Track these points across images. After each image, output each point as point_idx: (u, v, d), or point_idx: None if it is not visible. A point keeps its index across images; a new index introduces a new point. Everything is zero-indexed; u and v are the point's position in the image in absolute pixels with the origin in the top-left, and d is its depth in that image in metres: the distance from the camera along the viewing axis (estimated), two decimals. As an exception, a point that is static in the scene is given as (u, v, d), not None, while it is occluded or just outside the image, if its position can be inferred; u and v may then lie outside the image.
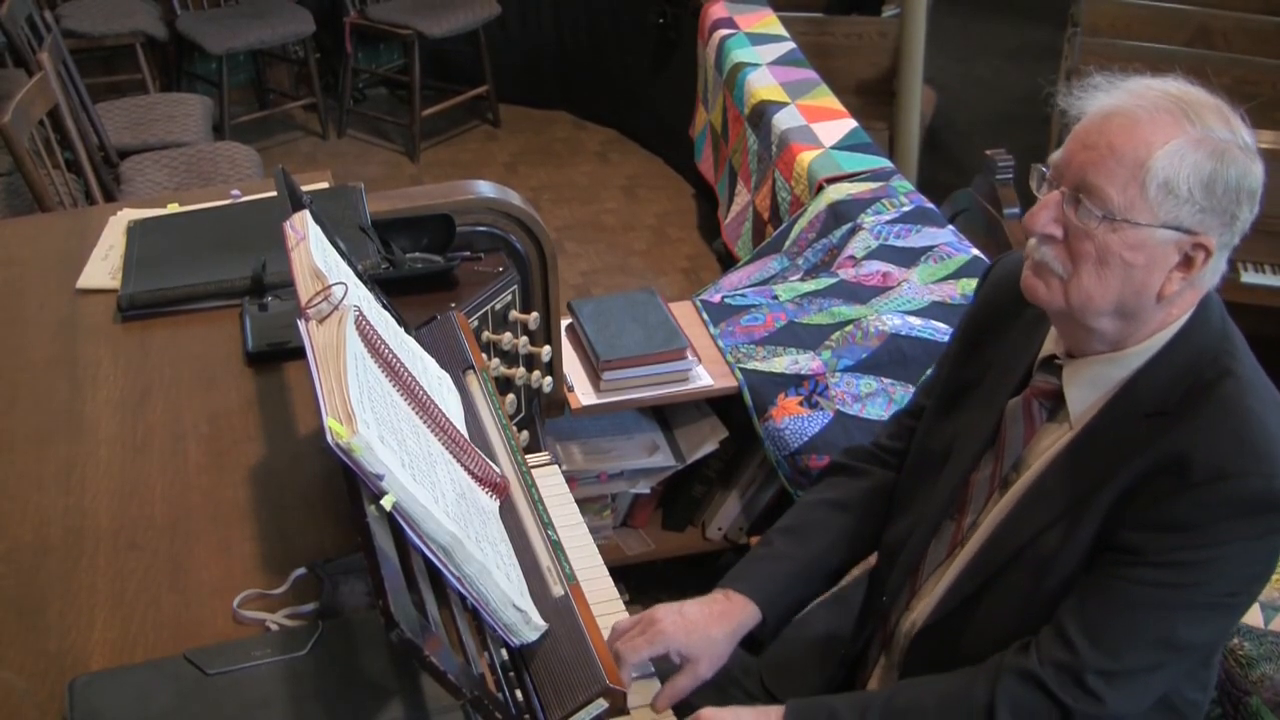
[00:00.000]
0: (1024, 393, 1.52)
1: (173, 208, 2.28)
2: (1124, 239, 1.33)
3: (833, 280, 2.93)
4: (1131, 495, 1.37)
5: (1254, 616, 1.83)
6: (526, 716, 1.32)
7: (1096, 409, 1.44)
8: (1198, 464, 1.32)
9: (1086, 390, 1.45)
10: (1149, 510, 1.36)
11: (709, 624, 1.59)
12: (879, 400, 2.59)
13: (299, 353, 1.58)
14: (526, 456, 1.70)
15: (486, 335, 2.09)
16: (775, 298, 2.90)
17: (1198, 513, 1.33)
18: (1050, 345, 1.50)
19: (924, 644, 1.58)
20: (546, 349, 2.20)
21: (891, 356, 2.64)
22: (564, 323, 2.70)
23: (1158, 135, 1.31)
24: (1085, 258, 1.36)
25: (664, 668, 1.57)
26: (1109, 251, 1.34)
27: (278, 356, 1.82)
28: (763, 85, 3.94)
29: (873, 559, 1.74)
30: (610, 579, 1.69)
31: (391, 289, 1.83)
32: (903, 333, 2.66)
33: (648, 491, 2.89)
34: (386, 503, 1.18)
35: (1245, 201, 1.34)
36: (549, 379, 2.27)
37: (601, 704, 1.33)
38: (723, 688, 1.69)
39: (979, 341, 1.62)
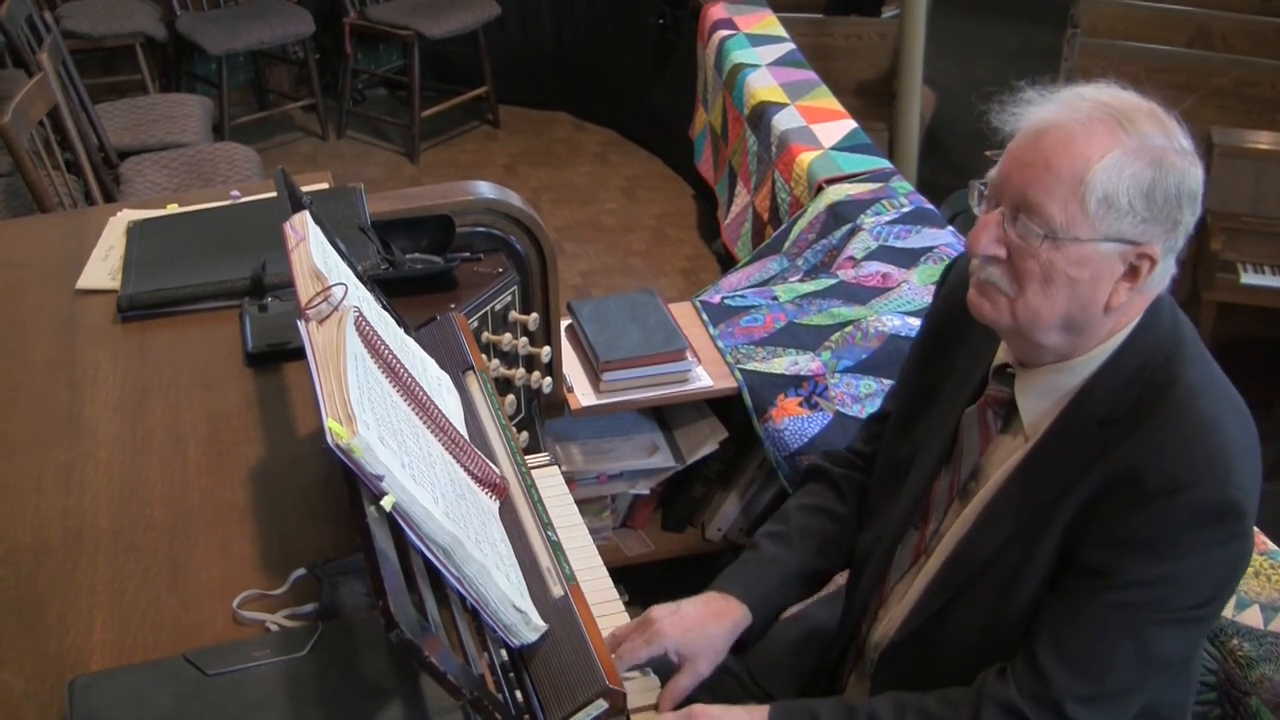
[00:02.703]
0: (979, 401, 1.51)
1: (172, 208, 2.28)
2: (1068, 255, 1.32)
3: (832, 281, 2.93)
4: (1089, 511, 1.36)
5: (1254, 617, 1.83)
6: (526, 717, 1.32)
7: (1050, 419, 1.43)
8: (1151, 476, 1.31)
9: (1038, 399, 1.44)
10: (1108, 527, 1.34)
11: (706, 622, 1.60)
12: (878, 401, 2.58)
13: (299, 353, 1.58)
14: (526, 457, 1.70)
15: (486, 336, 2.09)
16: (775, 299, 2.90)
17: (1156, 526, 1.32)
18: (1003, 354, 1.50)
19: (894, 658, 1.57)
20: (546, 350, 2.20)
21: (891, 357, 2.64)
22: (564, 323, 2.70)
23: (1094, 148, 1.30)
24: (1030, 276, 1.35)
25: (664, 668, 1.57)
26: (1053, 269, 1.33)
27: (277, 357, 1.82)
28: (762, 86, 3.94)
29: None
30: (610, 580, 1.69)
31: (391, 290, 1.83)
32: (902, 333, 2.66)
33: (647, 492, 2.89)
34: (386, 503, 1.18)
35: (1186, 205, 1.33)
36: (548, 380, 2.27)
37: (601, 704, 1.33)
38: (719, 682, 1.69)
39: (939, 345, 1.62)
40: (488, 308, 2.07)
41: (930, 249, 3.00)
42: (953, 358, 1.59)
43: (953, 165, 4.91)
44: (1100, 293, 1.35)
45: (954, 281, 1.63)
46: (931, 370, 1.62)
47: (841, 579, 1.81)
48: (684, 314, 2.89)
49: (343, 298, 1.33)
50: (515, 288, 2.14)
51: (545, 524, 1.54)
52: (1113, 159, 1.29)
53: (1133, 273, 1.34)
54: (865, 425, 1.83)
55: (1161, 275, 1.37)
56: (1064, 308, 1.35)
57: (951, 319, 1.59)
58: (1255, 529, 1.47)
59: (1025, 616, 1.42)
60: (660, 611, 1.59)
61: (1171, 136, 1.33)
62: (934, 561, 1.53)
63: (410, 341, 1.66)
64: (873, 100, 4.68)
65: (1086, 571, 1.37)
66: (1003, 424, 1.49)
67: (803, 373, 2.65)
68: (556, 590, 1.45)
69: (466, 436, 1.53)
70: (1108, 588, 1.35)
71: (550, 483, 1.84)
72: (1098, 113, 1.32)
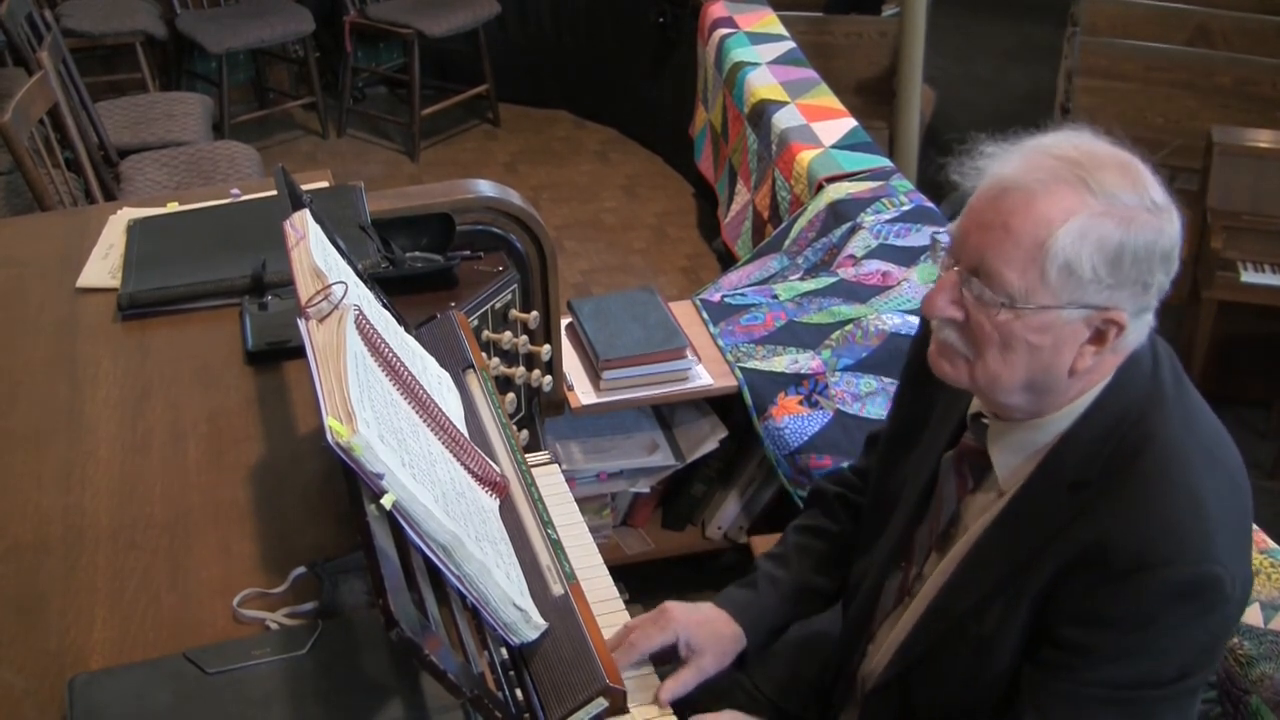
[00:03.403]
0: (955, 449, 1.47)
1: (172, 207, 2.27)
2: (1027, 323, 1.26)
3: (832, 279, 2.93)
4: (1059, 584, 1.31)
5: (1254, 616, 1.83)
6: (526, 715, 1.32)
7: (1023, 476, 1.37)
8: (1119, 553, 1.25)
9: (1011, 455, 1.39)
10: (1079, 602, 1.29)
11: (718, 621, 1.62)
12: (879, 399, 2.59)
13: (299, 352, 1.58)
14: (526, 455, 1.70)
15: (486, 334, 2.09)
16: (775, 297, 2.90)
17: (1127, 605, 1.26)
18: (978, 402, 1.44)
19: (880, 700, 1.55)
20: (546, 348, 2.20)
21: (891, 356, 2.64)
22: (564, 322, 2.70)
23: (1056, 212, 1.22)
24: (988, 341, 1.28)
25: (664, 669, 1.58)
26: (1012, 335, 1.27)
27: (278, 355, 1.82)
28: (762, 84, 3.94)
29: None
30: (610, 578, 1.69)
31: (391, 288, 1.83)
32: (902, 332, 2.66)
33: (647, 491, 2.89)
34: (386, 502, 1.18)
35: (1159, 265, 1.25)
36: (549, 378, 2.27)
37: (601, 703, 1.33)
38: (726, 690, 1.70)
39: (926, 373, 1.52)
40: (488, 306, 2.07)
41: (930, 247, 3.00)
42: (934, 392, 1.52)
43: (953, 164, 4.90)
44: (1063, 359, 1.28)
45: None
46: (919, 401, 1.56)
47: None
48: (684, 312, 2.89)
49: (343, 296, 1.33)
50: (515, 286, 2.14)
51: (545, 522, 1.55)
52: (1076, 224, 1.22)
53: (1099, 336, 1.27)
54: (866, 442, 1.79)
55: (1134, 334, 1.29)
56: (1025, 372, 1.29)
57: None
58: (1256, 528, 1.45)
59: (1004, 675, 1.38)
60: (674, 604, 1.60)
61: (1143, 193, 1.25)
62: (917, 605, 1.50)
63: (410, 340, 1.66)
64: (873, 98, 4.68)
65: (1061, 648, 1.32)
66: (977, 478, 1.44)
67: (803, 371, 2.65)
68: (556, 589, 1.45)
69: (467, 435, 1.53)
70: (1085, 666, 1.30)
71: (550, 481, 1.84)
72: (1063, 171, 1.24)
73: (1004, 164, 1.28)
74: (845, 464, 1.85)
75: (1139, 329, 1.30)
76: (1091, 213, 1.22)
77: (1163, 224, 1.25)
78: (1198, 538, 1.25)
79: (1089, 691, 1.30)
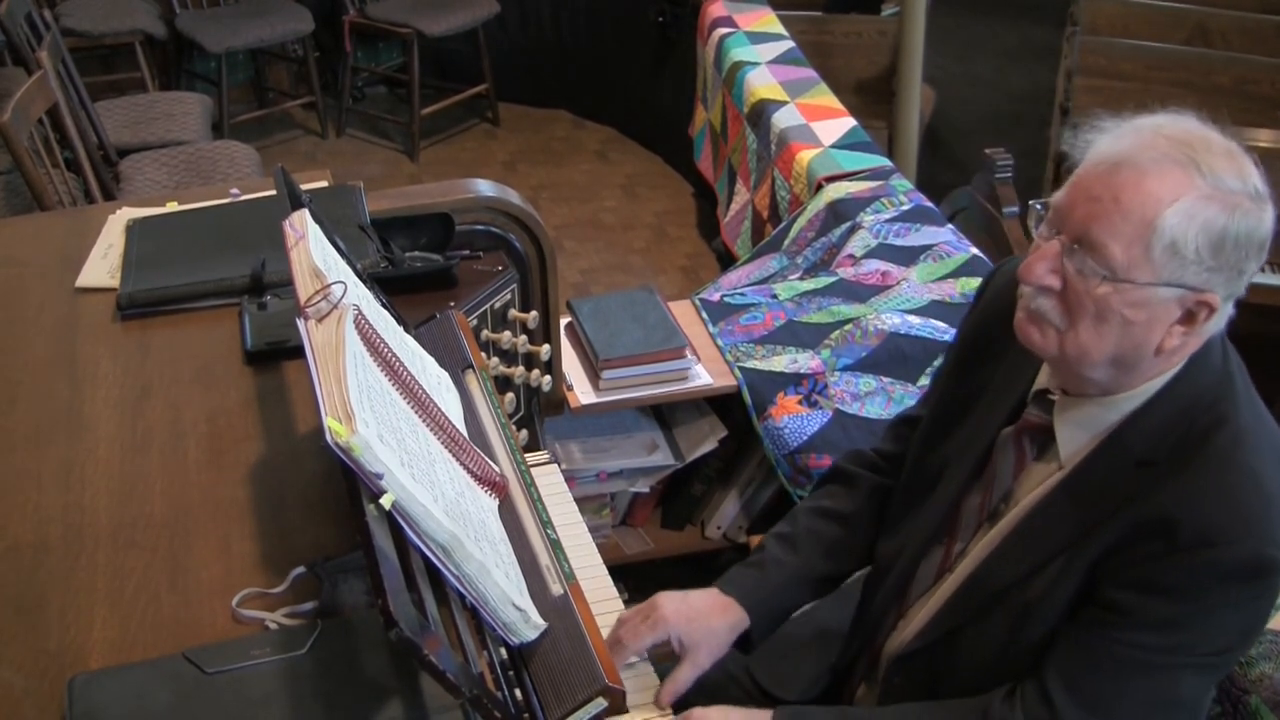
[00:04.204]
0: (1016, 424, 1.48)
1: (172, 206, 2.27)
2: (1125, 298, 1.28)
3: (832, 279, 2.93)
4: (1117, 552, 1.34)
5: (1252, 615, 1.83)
6: (526, 715, 1.32)
7: (1087, 451, 1.40)
8: (1184, 528, 1.28)
9: (1077, 431, 1.41)
10: (1135, 570, 1.32)
11: (710, 614, 1.61)
12: (878, 399, 2.60)
13: (298, 351, 1.57)
14: (525, 455, 1.70)
15: (486, 334, 2.09)
16: (774, 296, 2.90)
17: (1184, 577, 1.29)
18: (1044, 378, 1.46)
19: (905, 669, 1.57)
20: (545, 348, 2.20)
21: (891, 355, 2.64)
22: (563, 321, 2.70)
23: (1166, 191, 1.25)
24: (1083, 312, 1.31)
25: (663, 667, 1.58)
26: (1108, 309, 1.29)
27: (277, 355, 1.82)
28: (762, 84, 3.94)
29: None
30: (609, 578, 1.70)
31: (391, 288, 1.83)
32: (902, 331, 2.66)
33: (647, 490, 2.89)
34: (386, 502, 1.19)
35: (1254, 255, 1.28)
36: (548, 378, 2.27)
37: (601, 703, 1.33)
38: (720, 686, 1.70)
39: (976, 358, 1.58)
40: (487, 306, 2.07)
41: (929, 247, 3.00)
42: (989, 374, 1.54)
43: (952, 163, 4.91)
44: (1154, 335, 1.30)
45: (994, 294, 1.57)
46: (966, 383, 1.57)
47: (851, 579, 1.81)
48: (683, 312, 2.89)
49: (342, 296, 1.33)
50: (515, 286, 2.14)
51: (545, 522, 1.55)
52: (1184, 205, 1.24)
53: (1189, 318, 1.30)
54: (893, 426, 1.79)
55: (1219, 320, 1.32)
56: (1114, 347, 1.31)
57: (990, 333, 1.54)
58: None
59: (1040, 646, 1.41)
60: (666, 598, 1.60)
61: (1246, 180, 1.28)
62: (954, 579, 1.52)
63: (410, 340, 1.66)
64: (872, 98, 4.68)
65: (1106, 608, 1.35)
66: (1038, 451, 1.46)
67: (802, 371, 2.65)
68: (556, 588, 1.45)
69: (466, 435, 1.53)
70: (1125, 626, 1.33)
71: (549, 481, 1.84)
72: (1174, 152, 1.26)
73: (1116, 140, 1.30)
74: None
75: (1224, 315, 1.33)
76: (1199, 194, 1.25)
77: (1263, 213, 1.28)
78: (1264, 521, 1.28)
79: (1119, 651, 1.33)
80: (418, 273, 2.03)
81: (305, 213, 1.52)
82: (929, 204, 3.24)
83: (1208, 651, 1.33)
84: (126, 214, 2.24)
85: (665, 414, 2.94)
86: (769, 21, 4.40)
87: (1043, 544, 1.41)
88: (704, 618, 1.60)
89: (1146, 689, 1.34)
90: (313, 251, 1.43)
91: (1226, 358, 1.38)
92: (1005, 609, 1.44)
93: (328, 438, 1.15)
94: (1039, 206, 1.38)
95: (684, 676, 1.56)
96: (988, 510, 1.51)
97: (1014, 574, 1.43)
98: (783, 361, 2.68)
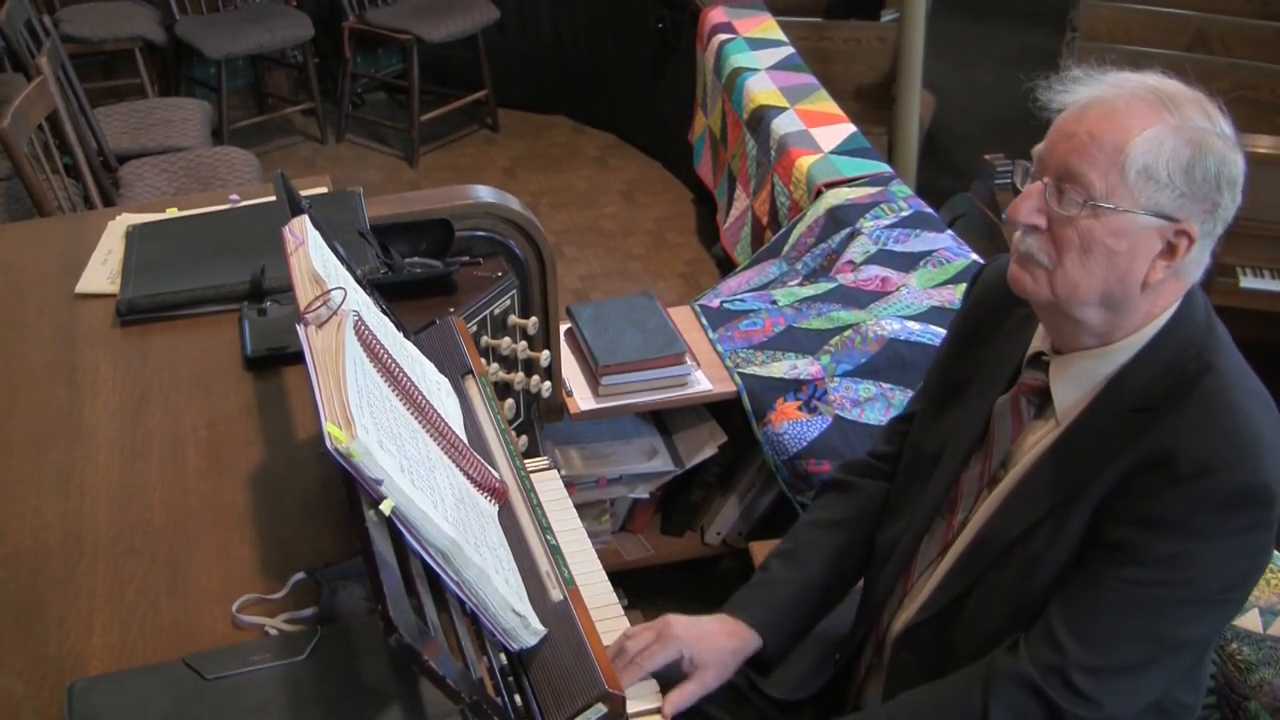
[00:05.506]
0: (1012, 389, 1.53)
1: (171, 212, 2.27)
2: (1107, 225, 1.34)
3: (831, 285, 2.93)
4: (1118, 492, 1.38)
5: (1252, 621, 1.83)
6: (525, 721, 1.32)
7: (1082, 405, 1.45)
8: (1182, 459, 1.33)
9: (1072, 387, 1.46)
10: (1135, 506, 1.36)
11: (720, 636, 1.63)
12: (878, 405, 2.59)
13: (298, 358, 1.58)
14: (525, 461, 1.70)
15: (485, 340, 2.09)
16: (774, 303, 2.91)
17: (1183, 508, 1.33)
18: (1038, 342, 1.52)
19: (912, 641, 1.59)
20: (545, 354, 2.20)
21: (890, 361, 2.64)
22: (563, 327, 2.70)
23: (1135, 122, 1.33)
24: (1069, 246, 1.37)
25: (668, 679, 1.58)
26: (1092, 238, 1.35)
27: (276, 361, 1.82)
28: (762, 90, 3.94)
29: None
30: (609, 584, 1.69)
31: (390, 294, 1.83)
32: (901, 337, 2.66)
33: (646, 496, 2.89)
34: (385, 508, 1.18)
35: (1226, 189, 1.36)
36: (548, 384, 2.27)
37: (600, 709, 1.33)
38: (720, 690, 1.69)
39: (970, 342, 1.64)
40: (487, 312, 2.07)
41: (929, 253, 3.00)
42: (981, 356, 1.61)
43: (952, 169, 4.92)
44: (1138, 267, 1.36)
45: (986, 280, 1.65)
46: (959, 369, 1.64)
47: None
48: (683, 318, 2.89)
49: (341, 302, 1.33)
50: (514, 292, 2.14)
51: (544, 528, 1.54)
52: (1153, 133, 1.32)
53: (1170, 250, 1.36)
54: (889, 426, 1.84)
55: (1198, 259, 1.39)
56: (1102, 280, 1.37)
57: (980, 320, 1.62)
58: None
59: (1046, 599, 1.43)
60: (676, 618, 1.62)
61: (1214, 121, 1.36)
62: (959, 545, 1.55)
63: (409, 345, 1.66)
64: (872, 104, 4.69)
65: (1108, 546, 1.38)
66: (1035, 411, 1.51)
67: (802, 376, 2.65)
68: (555, 594, 1.45)
69: (465, 441, 1.53)
70: (1127, 563, 1.36)
71: (549, 487, 1.83)
72: (1141, 91, 1.36)
73: (1088, 86, 1.39)
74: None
75: (1203, 252, 1.39)
76: (1167, 126, 1.33)
77: (1230, 152, 1.36)
78: (1259, 450, 1.33)
79: (1120, 588, 1.37)
80: (417, 278, 2.03)
81: (305, 219, 1.52)
82: (929, 210, 3.24)
83: (1210, 590, 1.36)
84: (126, 220, 2.24)
85: (665, 420, 2.94)
86: (769, 27, 4.41)
87: (1043, 497, 1.44)
88: (713, 638, 1.62)
89: (1150, 628, 1.37)
90: (312, 257, 1.43)
91: (1209, 313, 1.45)
92: (1011, 565, 1.47)
93: (327, 443, 1.15)
94: (1026, 164, 1.45)
95: (691, 691, 1.57)
96: (988, 477, 1.54)
97: (1017, 529, 1.46)
98: (782, 367, 2.68)
